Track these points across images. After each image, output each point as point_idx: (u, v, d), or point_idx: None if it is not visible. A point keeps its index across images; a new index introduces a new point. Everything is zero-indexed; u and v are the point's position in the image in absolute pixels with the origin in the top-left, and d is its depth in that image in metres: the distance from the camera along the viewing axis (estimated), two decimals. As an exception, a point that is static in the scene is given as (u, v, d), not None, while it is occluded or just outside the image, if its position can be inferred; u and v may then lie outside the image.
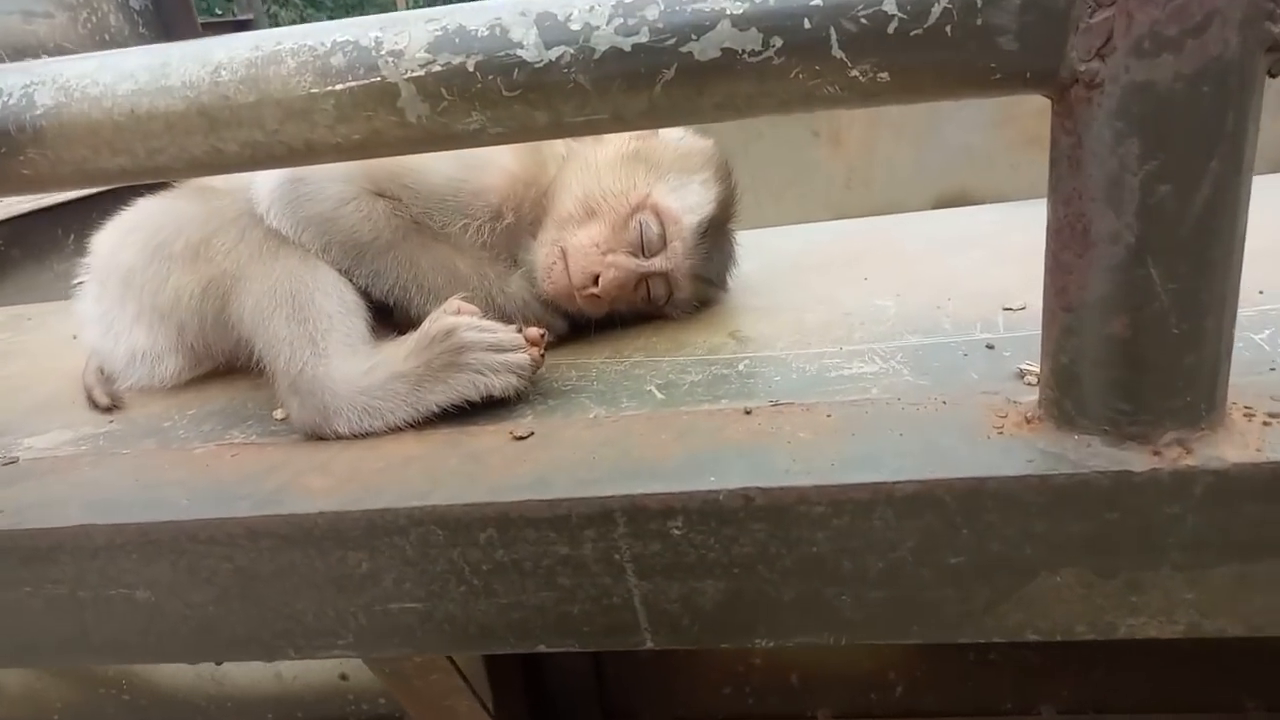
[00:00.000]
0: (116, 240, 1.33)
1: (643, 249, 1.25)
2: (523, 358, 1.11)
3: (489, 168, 1.27)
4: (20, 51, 4.13)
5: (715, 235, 1.31)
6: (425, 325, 1.11)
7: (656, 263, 1.26)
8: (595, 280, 1.23)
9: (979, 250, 1.47)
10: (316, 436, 1.11)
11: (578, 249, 1.24)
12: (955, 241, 1.53)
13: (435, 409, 1.09)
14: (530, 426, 1.06)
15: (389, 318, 1.27)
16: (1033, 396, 0.94)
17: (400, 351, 1.12)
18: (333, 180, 1.23)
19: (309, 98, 0.82)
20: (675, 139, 1.33)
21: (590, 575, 0.92)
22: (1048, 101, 0.79)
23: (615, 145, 1.30)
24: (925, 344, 1.15)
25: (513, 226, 1.29)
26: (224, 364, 1.34)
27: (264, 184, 1.23)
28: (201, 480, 1.04)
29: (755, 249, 1.62)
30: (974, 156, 4.51)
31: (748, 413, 1.02)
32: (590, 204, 1.26)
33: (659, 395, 1.11)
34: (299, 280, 1.18)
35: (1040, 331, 0.88)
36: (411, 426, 1.10)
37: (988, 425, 0.91)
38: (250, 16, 5.54)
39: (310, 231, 1.22)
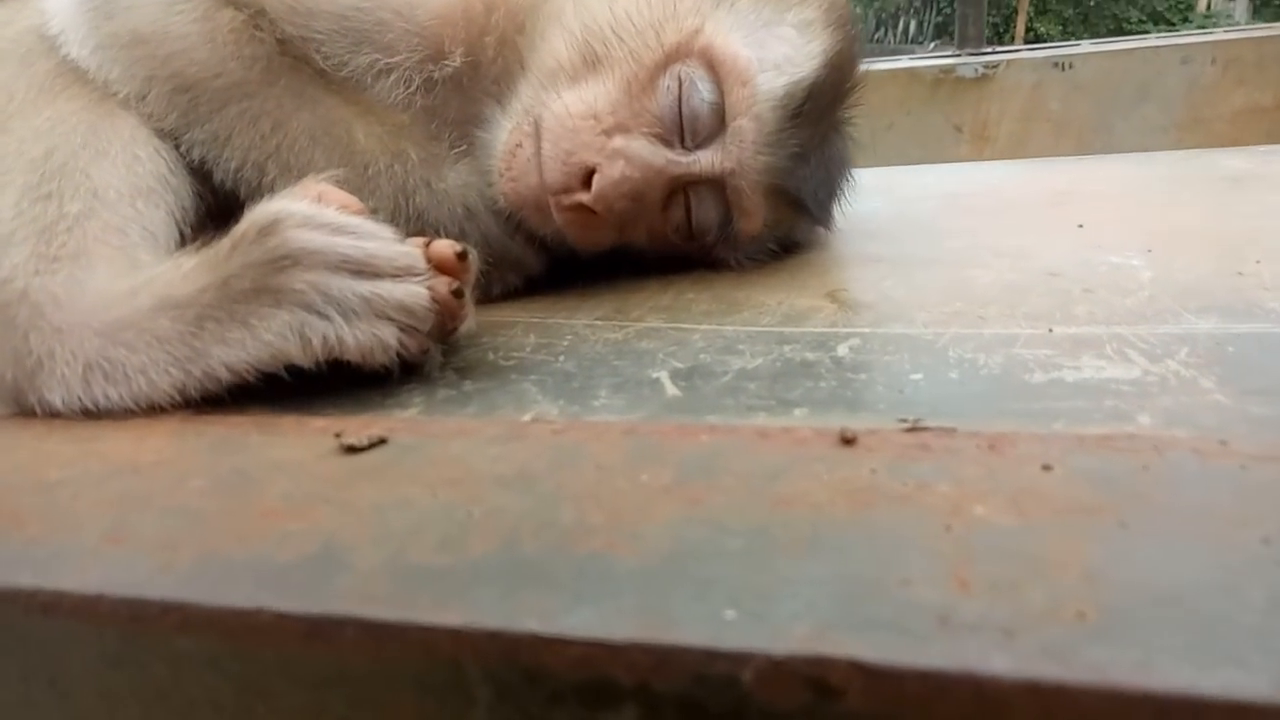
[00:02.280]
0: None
1: (681, 131, 0.70)
2: (414, 293, 0.57)
3: None
4: None
5: (817, 125, 0.74)
6: (245, 216, 0.58)
7: (704, 158, 0.70)
8: (586, 179, 0.68)
9: (1268, 191, 0.84)
10: (16, 406, 0.59)
11: (561, 122, 0.69)
12: (1225, 182, 0.91)
13: (224, 375, 0.56)
14: (390, 426, 0.51)
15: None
16: None
17: (187, 263, 0.59)
18: None
19: None
20: None
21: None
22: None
23: None
24: (1234, 333, 0.55)
25: (461, 79, 0.75)
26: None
27: None
28: None
29: (880, 186, 1.03)
30: (1146, 163, 3.77)
31: (847, 441, 0.44)
32: (592, 45, 0.71)
33: (672, 389, 0.55)
34: (67, 131, 0.66)
35: None
36: (184, 402, 0.57)
37: None
38: None
39: (120, 59, 0.71)
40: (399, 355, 0.57)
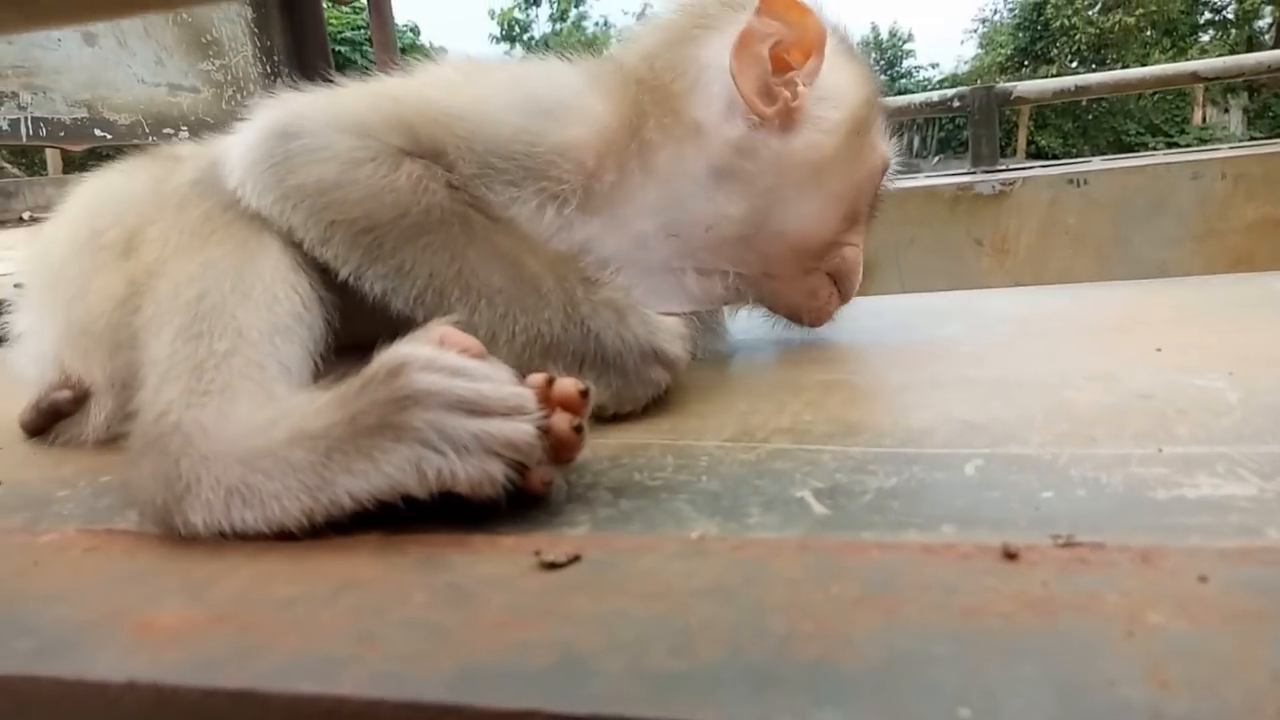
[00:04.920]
0: (54, 227, 0.95)
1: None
2: (521, 430, 0.61)
3: (572, 115, 0.85)
4: (161, 122, 4.16)
5: None
6: (376, 358, 0.66)
7: None
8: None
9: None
10: (163, 527, 0.65)
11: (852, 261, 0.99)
12: (1277, 306, 0.98)
13: (348, 502, 0.61)
14: (577, 544, 0.57)
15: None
16: None
17: (320, 398, 0.65)
18: (341, 130, 0.82)
19: None
20: None
21: None
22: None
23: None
24: (1333, 453, 0.61)
25: (614, 189, 0.85)
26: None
27: (239, 144, 0.83)
28: (1, 591, 0.60)
29: (953, 311, 1.11)
30: (1169, 275, 3.87)
31: (1010, 556, 0.50)
32: None
33: (819, 508, 0.60)
34: (218, 277, 0.75)
35: None
36: (312, 525, 0.61)
37: None
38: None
39: (303, 208, 0.80)
40: (515, 485, 0.61)
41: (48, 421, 0.96)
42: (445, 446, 0.59)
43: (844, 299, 0.99)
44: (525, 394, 0.63)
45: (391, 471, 0.60)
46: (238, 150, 0.83)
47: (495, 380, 0.63)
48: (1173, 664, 0.38)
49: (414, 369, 0.62)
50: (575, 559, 0.55)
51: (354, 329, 0.79)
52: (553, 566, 0.54)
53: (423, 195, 0.81)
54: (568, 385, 0.65)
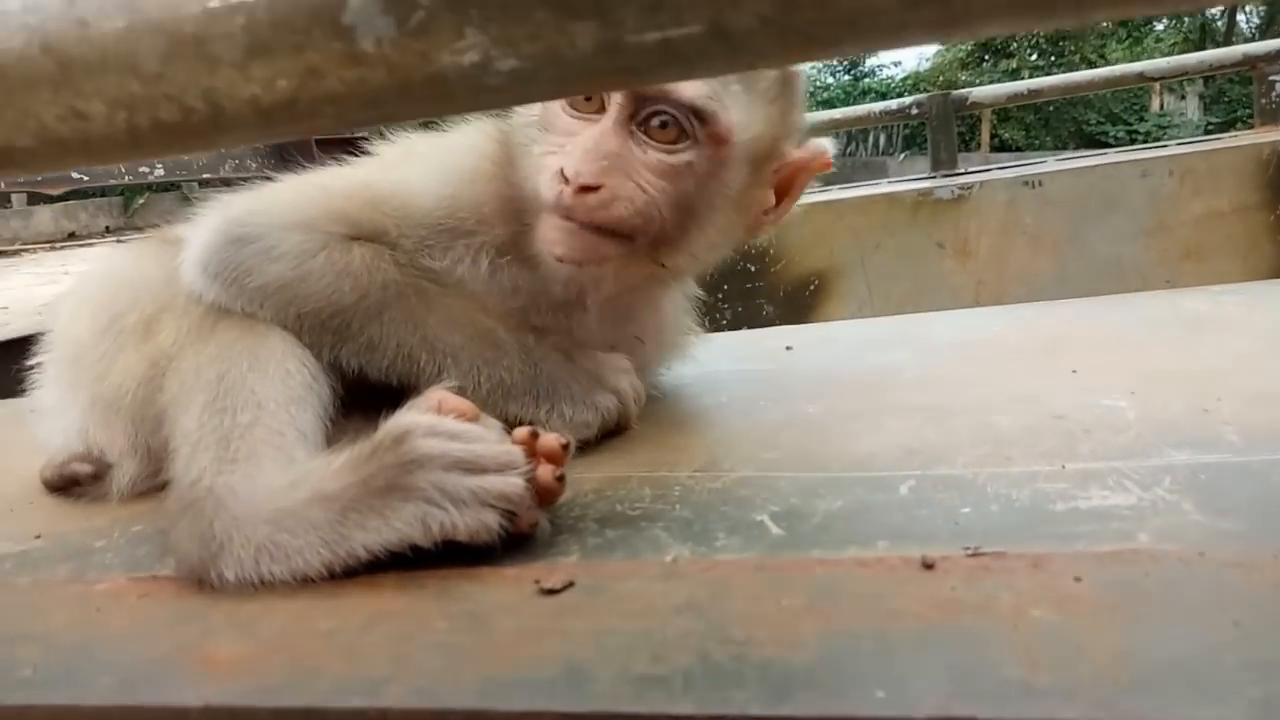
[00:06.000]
0: (72, 308, 1.04)
1: None
2: (512, 484, 0.70)
3: (473, 170, 0.96)
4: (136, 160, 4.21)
5: None
6: (383, 426, 0.75)
7: None
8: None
9: (1231, 336, 1.03)
10: (197, 581, 0.74)
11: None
12: (1188, 325, 1.10)
13: (363, 555, 0.70)
14: (570, 571, 0.67)
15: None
16: None
17: (335, 462, 0.75)
18: (287, 228, 0.91)
19: (205, 17, 0.49)
20: None
21: None
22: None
23: None
24: (1204, 463, 0.72)
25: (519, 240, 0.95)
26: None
27: (194, 256, 0.91)
28: (74, 633, 0.69)
29: (898, 338, 1.22)
30: (1124, 270, 4.02)
31: (928, 566, 0.61)
32: None
33: (776, 530, 0.71)
34: (235, 356, 0.84)
35: None
36: (331, 575, 0.71)
37: None
38: (363, 133, 5.62)
39: (270, 305, 0.89)
40: (508, 531, 0.70)
41: (68, 485, 1.05)
42: (446, 502, 0.69)
43: None
44: (515, 451, 0.72)
45: (401, 526, 0.69)
46: (194, 261, 0.91)
47: (488, 440, 0.73)
48: (1043, 649, 0.49)
49: (416, 435, 0.72)
50: (569, 585, 0.65)
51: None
52: (551, 592, 0.65)
53: (377, 274, 0.90)
54: (551, 440, 0.75)
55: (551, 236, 0.89)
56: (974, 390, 0.96)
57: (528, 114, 0.94)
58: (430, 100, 0.48)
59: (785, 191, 0.98)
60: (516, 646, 0.58)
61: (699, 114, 0.86)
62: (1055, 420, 0.85)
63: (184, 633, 0.67)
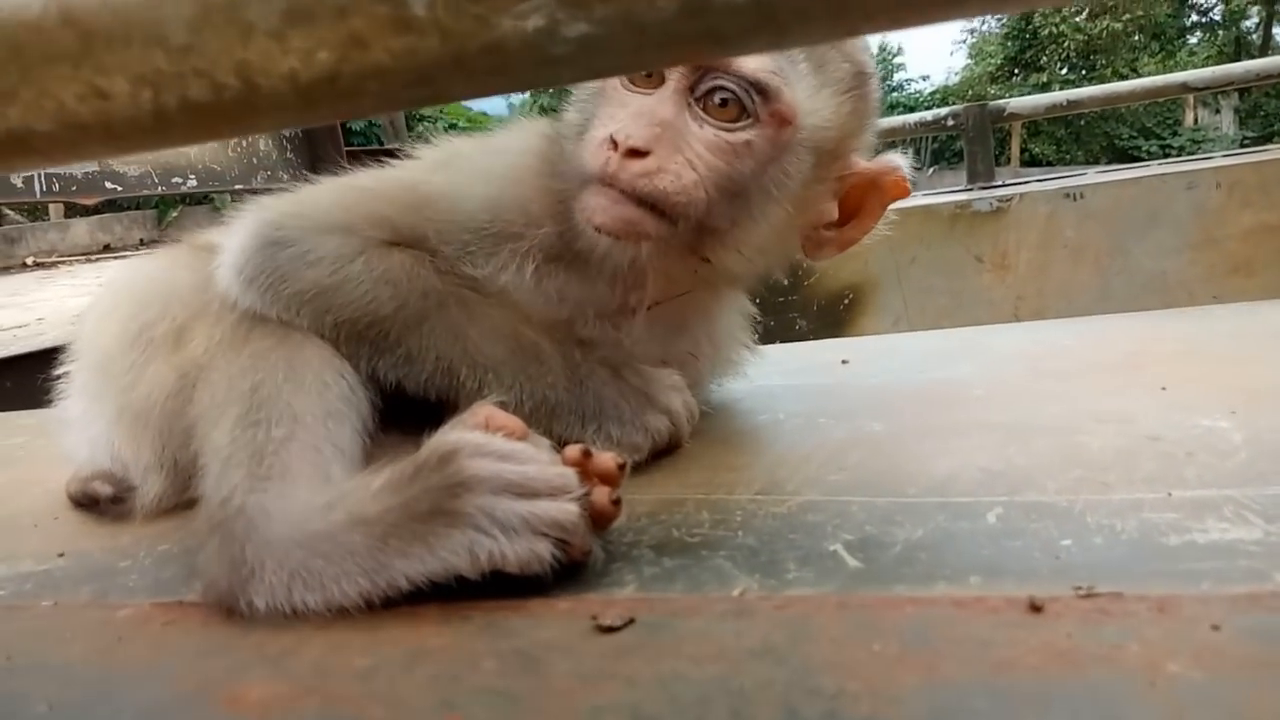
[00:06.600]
0: (100, 316, 1.00)
1: None
2: (566, 511, 0.64)
3: (520, 168, 0.90)
4: (169, 171, 4.23)
5: None
6: (426, 444, 0.69)
7: None
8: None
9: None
10: (226, 609, 0.68)
11: None
12: (1277, 339, 1.02)
13: (404, 585, 0.64)
14: (628, 606, 0.61)
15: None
16: None
17: (375, 482, 0.69)
18: (324, 232, 0.86)
19: (241, -15, 0.44)
20: None
21: None
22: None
23: None
24: (1333, 492, 0.65)
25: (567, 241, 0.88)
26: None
27: (230, 261, 0.86)
28: (93, 665, 0.64)
29: (960, 350, 1.15)
30: (1169, 285, 3.91)
31: (1036, 608, 0.54)
32: None
33: (853, 561, 0.64)
34: (268, 368, 0.79)
35: None
36: (369, 606, 0.64)
37: None
38: (397, 145, 5.64)
39: (307, 312, 0.84)
40: (560, 560, 0.64)
41: (91, 502, 1.01)
42: (496, 530, 0.63)
43: None
44: (568, 474, 0.66)
45: (446, 555, 0.63)
46: (229, 266, 0.86)
47: (540, 462, 0.67)
48: (1192, 713, 0.43)
49: (464, 455, 0.66)
50: (630, 622, 0.59)
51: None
52: (609, 630, 0.58)
53: (417, 281, 0.85)
54: (606, 460, 0.69)
55: (592, 203, 0.82)
56: (1053, 407, 0.89)
57: (583, 90, 0.89)
58: (487, 73, 0.42)
59: (853, 210, 0.91)
60: (576, 694, 0.52)
61: (762, 89, 0.80)
62: (1151, 441, 0.78)
63: (210, 667, 0.61)
